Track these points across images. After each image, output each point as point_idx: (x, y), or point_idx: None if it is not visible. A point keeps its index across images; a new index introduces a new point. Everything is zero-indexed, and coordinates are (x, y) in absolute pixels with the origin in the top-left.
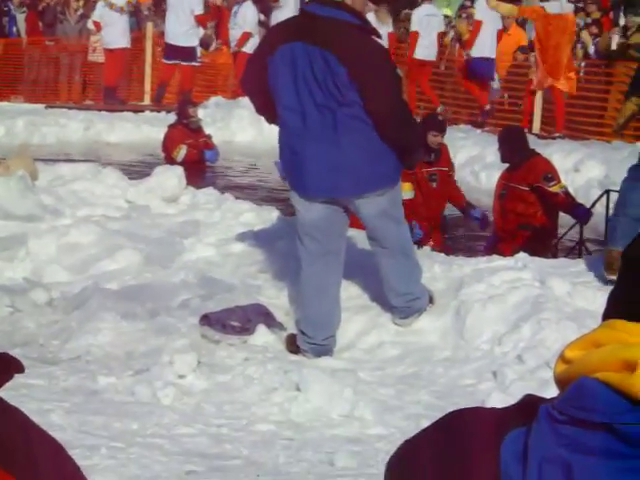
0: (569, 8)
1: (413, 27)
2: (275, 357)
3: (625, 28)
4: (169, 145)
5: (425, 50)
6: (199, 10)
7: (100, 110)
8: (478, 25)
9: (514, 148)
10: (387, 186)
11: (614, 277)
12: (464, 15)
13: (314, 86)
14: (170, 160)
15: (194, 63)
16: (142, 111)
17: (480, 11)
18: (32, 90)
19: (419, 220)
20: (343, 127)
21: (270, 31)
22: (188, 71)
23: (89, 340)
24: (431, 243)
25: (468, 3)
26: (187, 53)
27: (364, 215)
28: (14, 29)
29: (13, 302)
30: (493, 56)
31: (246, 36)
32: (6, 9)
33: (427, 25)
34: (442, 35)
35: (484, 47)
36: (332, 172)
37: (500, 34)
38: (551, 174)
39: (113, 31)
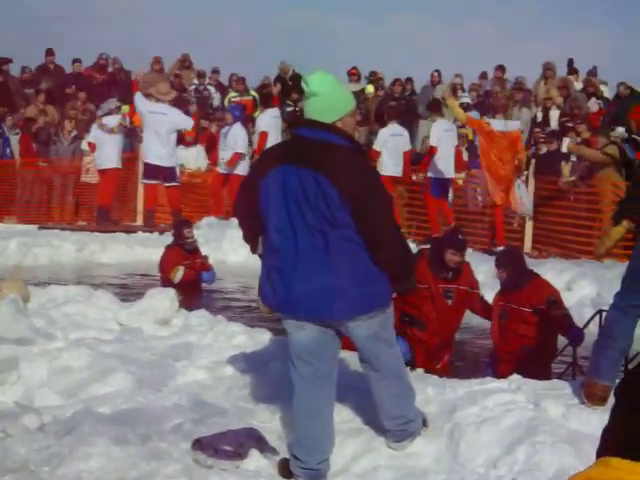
0: (514, 126)
1: (377, 147)
2: None
3: None
4: (166, 266)
5: (392, 167)
6: (188, 126)
7: (93, 231)
8: (432, 150)
9: (515, 270)
10: (378, 309)
11: (597, 407)
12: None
13: (306, 208)
14: (167, 282)
15: (174, 183)
16: (135, 232)
17: (436, 135)
18: (25, 211)
19: (430, 336)
20: (335, 249)
21: (261, 155)
22: (172, 192)
23: (80, 466)
24: (438, 366)
25: (459, 123)
26: (167, 173)
27: (355, 338)
28: (7, 151)
29: (4, 427)
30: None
31: (237, 157)
32: (0, 131)
33: (392, 145)
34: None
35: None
36: (324, 295)
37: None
38: (554, 297)
39: (105, 152)
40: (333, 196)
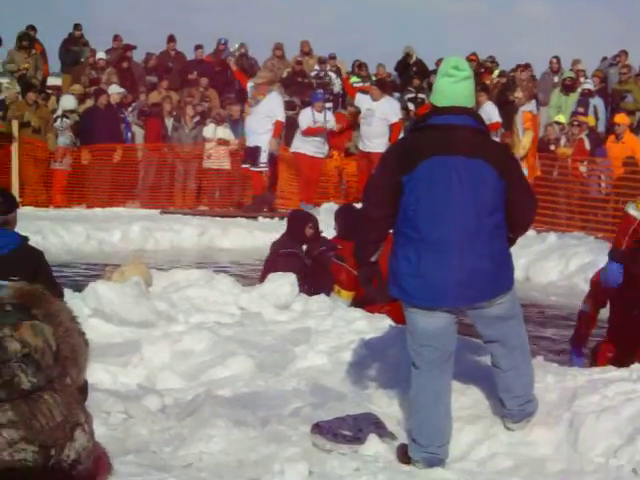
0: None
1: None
2: (386, 468)
3: None
4: None
5: None
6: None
7: (214, 216)
8: None
9: None
10: (512, 285)
11: None
12: (575, 123)
13: (461, 196)
14: None
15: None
16: (255, 217)
17: None
18: (148, 195)
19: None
20: (487, 235)
21: (397, 148)
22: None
23: (201, 448)
24: None
25: (581, 110)
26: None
27: (488, 318)
28: (129, 135)
29: (126, 408)
30: None
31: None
32: (122, 115)
33: None
34: (556, 142)
35: None
36: (477, 279)
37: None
38: None
39: None
40: (492, 181)
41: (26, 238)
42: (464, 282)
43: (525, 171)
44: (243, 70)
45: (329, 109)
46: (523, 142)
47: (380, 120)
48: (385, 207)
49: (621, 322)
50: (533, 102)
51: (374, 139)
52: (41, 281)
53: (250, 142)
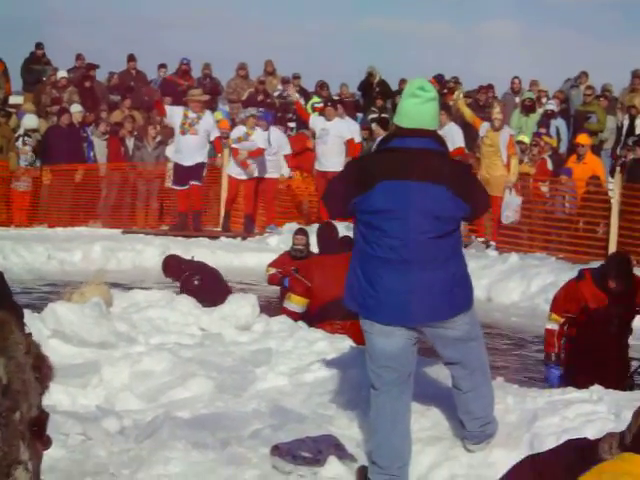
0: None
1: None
2: None
3: None
4: (269, 265)
5: None
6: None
7: (176, 236)
8: None
9: (627, 275)
10: (471, 305)
11: None
12: (536, 143)
13: (420, 217)
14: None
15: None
16: (217, 237)
17: None
18: (109, 215)
19: None
20: (444, 255)
21: (358, 168)
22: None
23: (160, 470)
24: None
25: (543, 130)
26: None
27: (448, 338)
28: (91, 154)
29: (85, 430)
30: None
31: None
32: (84, 135)
33: None
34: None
35: None
36: (435, 297)
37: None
38: None
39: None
40: (449, 203)
41: None
42: (421, 300)
43: (517, 198)
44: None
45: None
46: (513, 169)
47: (335, 138)
48: (342, 212)
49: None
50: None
51: (330, 158)
52: (0, 302)
53: (189, 160)
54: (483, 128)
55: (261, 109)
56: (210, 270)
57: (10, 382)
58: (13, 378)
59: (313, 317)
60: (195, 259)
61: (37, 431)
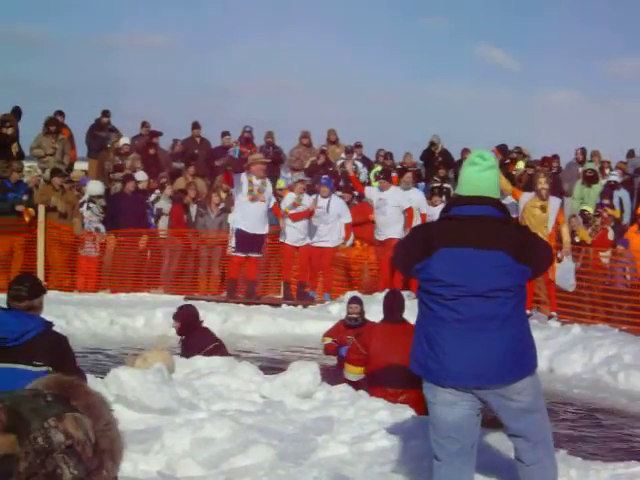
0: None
1: None
2: None
3: None
4: (327, 333)
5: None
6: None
7: (238, 303)
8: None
9: None
10: (534, 370)
11: None
12: (600, 214)
13: (479, 284)
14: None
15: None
16: (279, 305)
17: None
18: (172, 281)
19: None
20: (507, 316)
21: (420, 235)
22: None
23: None
24: None
25: (606, 201)
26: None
27: (514, 411)
28: (152, 220)
29: None
30: None
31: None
32: (147, 201)
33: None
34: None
35: None
36: (497, 358)
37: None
38: None
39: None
40: (509, 268)
41: (50, 323)
42: (482, 363)
43: (572, 264)
44: (272, 158)
45: (340, 196)
46: (565, 236)
47: (393, 208)
48: (409, 273)
49: None
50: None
51: (389, 227)
52: (65, 367)
53: (256, 228)
54: (525, 197)
55: (325, 176)
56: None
57: (98, 441)
58: (101, 437)
59: (366, 380)
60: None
61: None
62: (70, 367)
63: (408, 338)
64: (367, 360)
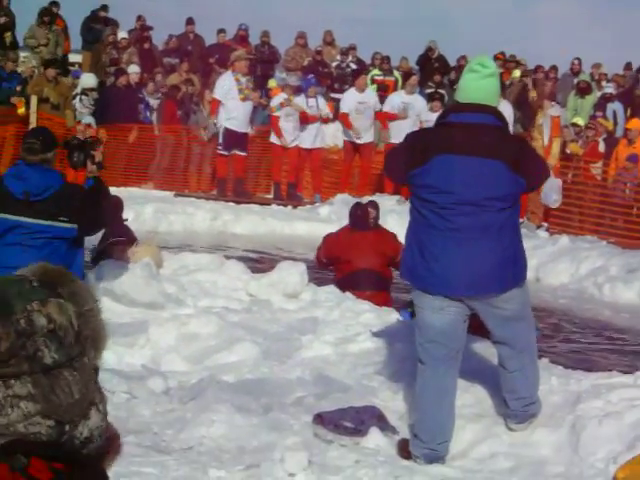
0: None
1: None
2: (386, 461)
3: None
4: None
5: None
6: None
7: (228, 201)
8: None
9: None
10: (524, 281)
11: None
12: (591, 126)
13: (474, 191)
14: None
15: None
16: (268, 204)
17: None
18: (162, 177)
19: None
20: (500, 230)
21: (415, 141)
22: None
23: (202, 432)
24: None
25: (599, 113)
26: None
27: (501, 318)
28: (148, 114)
29: (130, 389)
30: None
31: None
32: (141, 96)
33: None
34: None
35: None
36: (487, 269)
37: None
38: None
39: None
40: (506, 178)
41: (65, 177)
42: (474, 272)
43: (557, 180)
44: (268, 58)
45: (321, 95)
46: (553, 150)
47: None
48: (404, 180)
49: None
50: (557, 106)
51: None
52: (89, 215)
53: (244, 127)
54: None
55: (311, 75)
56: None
57: (81, 328)
58: (84, 324)
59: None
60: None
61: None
62: (94, 219)
63: (376, 244)
64: (333, 266)
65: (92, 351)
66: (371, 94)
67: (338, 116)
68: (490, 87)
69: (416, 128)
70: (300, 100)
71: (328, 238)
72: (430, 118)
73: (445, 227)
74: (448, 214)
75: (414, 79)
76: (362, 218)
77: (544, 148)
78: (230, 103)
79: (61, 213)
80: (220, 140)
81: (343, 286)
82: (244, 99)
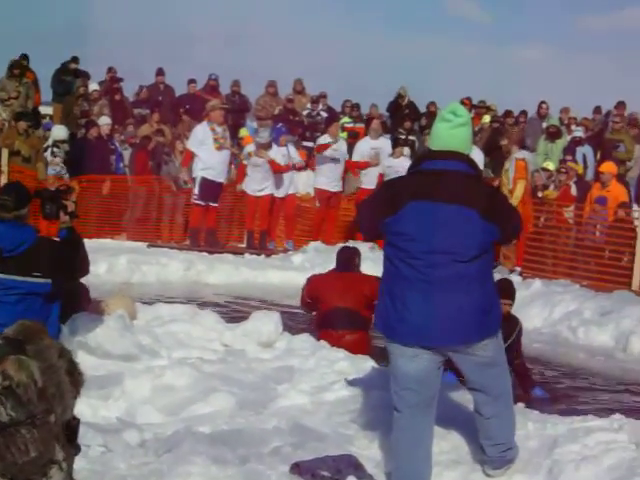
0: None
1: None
2: None
3: None
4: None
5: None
6: None
7: (201, 251)
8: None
9: None
10: (498, 330)
11: None
12: (563, 170)
13: (448, 240)
14: None
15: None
16: (242, 254)
17: None
18: (135, 228)
19: None
20: (472, 279)
21: (388, 190)
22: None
23: None
24: None
25: (569, 157)
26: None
27: (475, 365)
28: (121, 165)
29: (105, 442)
30: None
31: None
32: (113, 147)
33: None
34: (543, 189)
35: None
36: (459, 320)
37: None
38: None
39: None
40: (478, 226)
41: (39, 232)
42: (448, 323)
43: None
44: (238, 107)
45: (292, 144)
46: (516, 192)
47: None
48: (375, 234)
49: None
50: (524, 150)
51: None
52: (63, 273)
53: (221, 177)
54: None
55: (280, 124)
56: None
57: (45, 385)
58: (48, 381)
59: (315, 325)
60: None
61: (69, 436)
62: (68, 272)
63: (356, 284)
64: (315, 307)
65: (59, 408)
66: (341, 142)
67: (347, 164)
68: (463, 135)
69: (382, 171)
70: (272, 150)
71: (312, 278)
72: (392, 164)
73: (417, 279)
74: (420, 265)
75: (376, 123)
76: (347, 260)
77: (509, 191)
78: (205, 153)
79: (35, 268)
80: (196, 190)
81: (320, 325)
82: (219, 148)
